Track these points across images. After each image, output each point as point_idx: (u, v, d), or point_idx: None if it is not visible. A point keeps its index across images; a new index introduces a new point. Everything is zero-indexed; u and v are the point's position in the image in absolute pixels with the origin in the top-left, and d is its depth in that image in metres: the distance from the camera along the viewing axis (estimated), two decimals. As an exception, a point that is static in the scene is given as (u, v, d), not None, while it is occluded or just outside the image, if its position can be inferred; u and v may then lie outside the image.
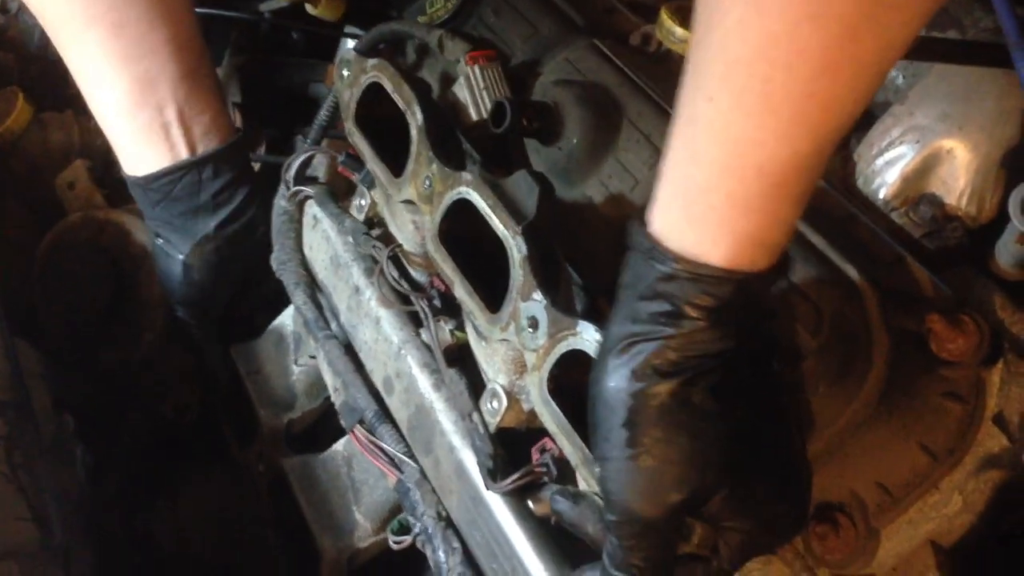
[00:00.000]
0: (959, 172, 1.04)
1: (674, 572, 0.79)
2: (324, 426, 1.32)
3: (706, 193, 0.71)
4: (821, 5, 0.61)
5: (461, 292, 1.00)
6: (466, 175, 0.99)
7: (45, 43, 1.72)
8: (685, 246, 0.74)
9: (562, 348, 0.89)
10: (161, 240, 1.30)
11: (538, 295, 0.91)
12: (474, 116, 1.10)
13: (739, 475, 0.76)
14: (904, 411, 0.92)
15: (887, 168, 1.07)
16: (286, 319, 1.38)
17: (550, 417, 0.90)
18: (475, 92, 1.09)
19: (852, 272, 0.94)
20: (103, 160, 1.64)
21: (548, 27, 1.22)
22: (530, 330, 0.91)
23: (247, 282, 1.38)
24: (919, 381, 0.93)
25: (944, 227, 1.05)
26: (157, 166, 1.22)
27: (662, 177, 0.76)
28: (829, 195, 1.06)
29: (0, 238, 1.59)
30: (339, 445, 1.26)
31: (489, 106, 1.08)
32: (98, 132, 1.62)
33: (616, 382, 0.76)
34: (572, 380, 0.88)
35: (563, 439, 0.89)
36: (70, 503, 1.08)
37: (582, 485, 0.89)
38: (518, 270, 0.92)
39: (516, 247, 0.92)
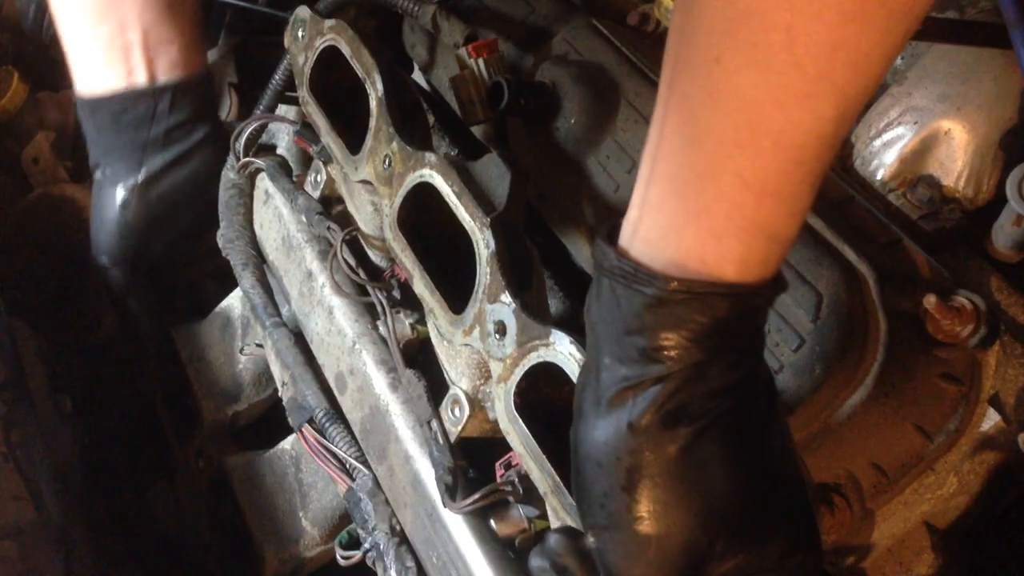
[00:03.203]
0: (957, 153, 1.04)
1: None
2: (272, 421, 1.22)
3: (711, 179, 0.62)
4: None
5: (421, 287, 0.92)
6: (430, 156, 0.90)
7: (40, 23, 1.71)
8: (673, 257, 0.64)
9: (532, 359, 0.80)
10: (99, 173, 1.19)
11: (506, 297, 0.82)
12: (477, 103, 1.08)
13: (753, 528, 0.67)
14: (900, 392, 0.92)
15: (885, 149, 1.07)
16: (234, 301, 1.28)
17: (517, 436, 0.82)
18: (478, 84, 1.06)
19: (850, 254, 0.94)
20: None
21: (546, 6, 1.21)
22: (497, 336, 0.82)
23: (186, 242, 1.26)
24: (915, 362, 0.92)
25: (941, 209, 1.05)
26: (110, 87, 1.14)
27: (647, 177, 0.66)
28: (827, 177, 1.05)
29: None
30: (287, 443, 1.17)
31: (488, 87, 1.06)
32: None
33: (609, 439, 0.65)
34: (543, 395, 0.80)
35: (531, 462, 0.81)
36: (67, 483, 1.08)
37: (551, 516, 0.81)
38: (485, 267, 0.84)
39: (483, 241, 0.84)
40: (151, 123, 1.16)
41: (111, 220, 1.18)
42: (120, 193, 1.18)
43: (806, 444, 0.91)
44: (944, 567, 0.96)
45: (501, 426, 0.83)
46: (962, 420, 0.92)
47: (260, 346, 1.23)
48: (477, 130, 1.18)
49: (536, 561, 0.72)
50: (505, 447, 0.85)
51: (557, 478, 0.78)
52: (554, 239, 1.12)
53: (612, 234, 0.68)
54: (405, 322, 1.02)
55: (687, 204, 0.63)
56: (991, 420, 0.93)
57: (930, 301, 0.91)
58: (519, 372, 0.81)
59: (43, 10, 1.71)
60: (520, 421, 0.82)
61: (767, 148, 0.60)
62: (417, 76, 1.34)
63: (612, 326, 0.66)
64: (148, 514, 1.23)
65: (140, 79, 1.14)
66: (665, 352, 0.63)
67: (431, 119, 1.13)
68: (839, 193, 1.04)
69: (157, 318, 1.27)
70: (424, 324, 0.99)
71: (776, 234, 0.64)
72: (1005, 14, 0.91)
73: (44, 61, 1.73)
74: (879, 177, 1.07)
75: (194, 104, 1.18)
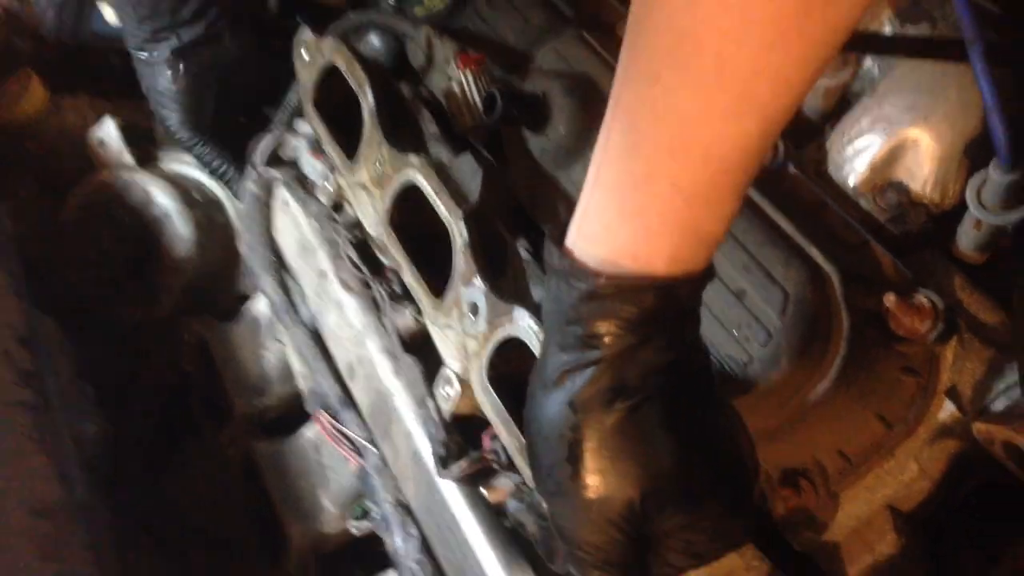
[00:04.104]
0: (924, 161, 1.11)
1: None
2: (296, 410, 1.33)
3: (647, 182, 0.68)
4: None
5: (409, 277, 1.02)
6: (412, 158, 1.00)
7: (59, 27, 1.78)
8: (610, 252, 0.70)
9: (499, 335, 0.89)
10: (146, 55, 1.42)
11: (478, 281, 0.91)
12: (466, 112, 1.16)
13: (687, 490, 0.73)
14: (863, 384, 0.99)
15: (856, 156, 1.13)
16: (260, 303, 1.40)
17: (490, 406, 0.91)
18: (467, 94, 1.14)
19: (816, 255, 1.01)
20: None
21: (538, 18, 1.28)
22: (471, 316, 0.92)
23: (234, 108, 1.50)
24: (877, 356, 1.00)
25: (909, 213, 1.12)
26: None
27: (592, 181, 0.72)
28: (800, 182, 1.12)
29: (18, 216, 1.66)
30: (308, 430, 1.27)
31: (480, 103, 1.13)
32: (114, 111, 1.70)
33: (553, 416, 0.72)
34: (515, 368, 0.89)
35: (501, 428, 0.90)
36: (92, 465, 1.16)
37: (524, 473, 0.91)
38: (459, 256, 0.93)
39: (458, 231, 0.93)
40: (179, 7, 1.37)
41: (166, 91, 1.42)
42: (166, 68, 1.41)
43: (775, 432, 0.98)
44: (906, 548, 1.02)
45: (477, 396, 0.92)
46: (920, 410, 0.99)
47: (281, 342, 1.33)
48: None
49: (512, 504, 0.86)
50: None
51: (523, 441, 0.86)
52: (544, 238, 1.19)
53: (560, 235, 0.74)
54: (407, 313, 1.11)
55: (624, 205, 0.69)
56: (947, 411, 1.00)
57: (890, 299, 0.98)
58: (490, 347, 0.90)
59: (62, 14, 1.79)
60: (491, 391, 0.91)
61: (697, 158, 0.66)
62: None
63: (556, 317, 0.73)
64: (166, 496, 1.31)
65: None
66: (600, 339, 0.70)
67: (433, 127, 1.20)
68: (811, 198, 1.11)
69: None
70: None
71: (704, 234, 0.70)
72: (964, 31, 0.98)
73: (63, 65, 1.80)
74: (851, 183, 1.13)
75: None
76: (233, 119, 1.55)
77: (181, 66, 1.41)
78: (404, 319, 1.11)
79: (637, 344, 0.70)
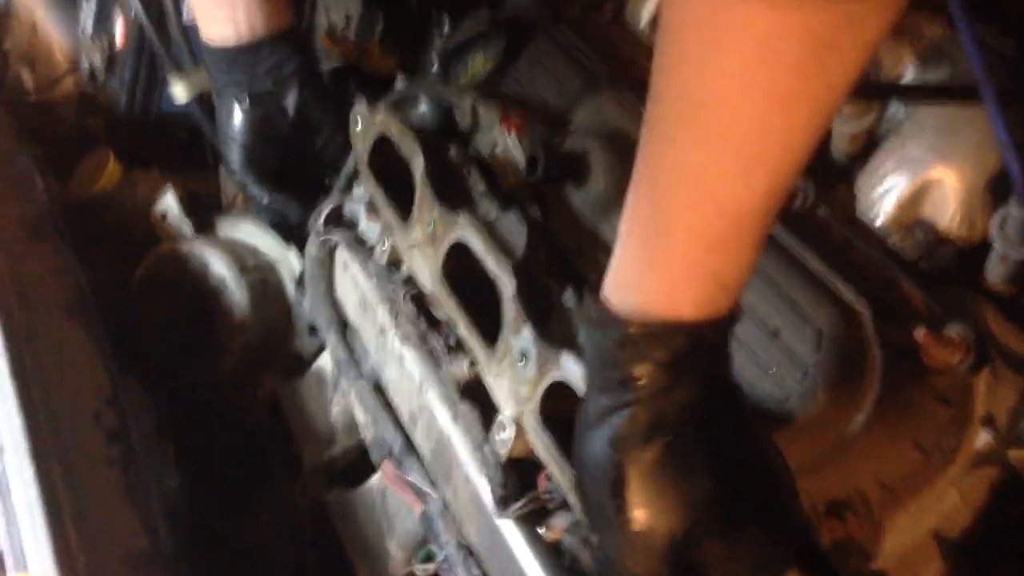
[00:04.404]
0: (949, 199, 1.15)
1: None
2: (362, 459, 1.40)
3: (669, 233, 0.74)
4: (771, 47, 0.64)
5: (463, 329, 1.09)
6: (462, 218, 1.08)
7: (131, 106, 1.92)
8: (641, 301, 0.76)
9: (548, 379, 0.95)
10: (221, 101, 1.49)
11: (527, 331, 0.97)
12: (511, 171, 1.24)
13: (728, 520, 0.77)
14: (899, 416, 1.03)
15: (884, 197, 1.18)
16: (325, 359, 1.48)
17: (542, 447, 0.97)
18: (511, 155, 1.22)
19: (848, 294, 1.06)
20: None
21: (575, 81, 1.36)
22: (521, 363, 0.98)
23: (293, 161, 1.53)
24: (911, 388, 1.04)
25: (938, 249, 1.16)
26: (223, 41, 1.42)
27: (623, 235, 0.79)
28: (831, 223, 1.18)
29: (98, 285, 1.78)
30: (374, 479, 1.34)
31: (524, 163, 1.21)
32: (182, 182, 1.82)
33: (597, 454, 0.78)
34: (563, 409, 0.94)
35: (555, 467, 0.95)
36: (172, 516, 1.24)
37: (576, 510, 0.95)
38: (508, 306, 1.00)
39: (506, 284, 1.00)
40: (255, 65, 1.45)
41: (233, 137, 1.48)
42: (237, 115, 1.47)
43: (815, 465, 1.02)
44: (952, 569, 1.06)
45: (530, 439, 0.98)
46: (956, 439, 1.03)
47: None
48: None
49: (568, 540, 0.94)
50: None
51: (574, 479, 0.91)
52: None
53: (596, 286, 0.81)
54: (462, 363, 1.17)
55: (650, 256, 0.76)
56: (984, 439, 1.04)
57: (921, 333, 1.02)
58: (540, 391, 0.96)
59: (134, 94, 1.92)
60: (543, 433, 0.96)
61: (712, 212, 0.72)
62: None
63: (595, 362, 0.79)
64: (243, 543, 1.39)
65: (244, 36, 1.42)
66: (635, 381, 0.75)
67: (481, 185, 1.29)
68: (841, 239, 1.16)
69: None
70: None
71: (726, 280, 0.75)
72: (977, 74, 1.03)
73: (136, 141, 1.93)
74: (879, 223, 1.18)
75: (285, 50, 1.45)
76: (297, 180, 1.62)
77: (249, 106, 1.47)
78: (460, 368, 1.17)
79: (671, 384, 0.75)
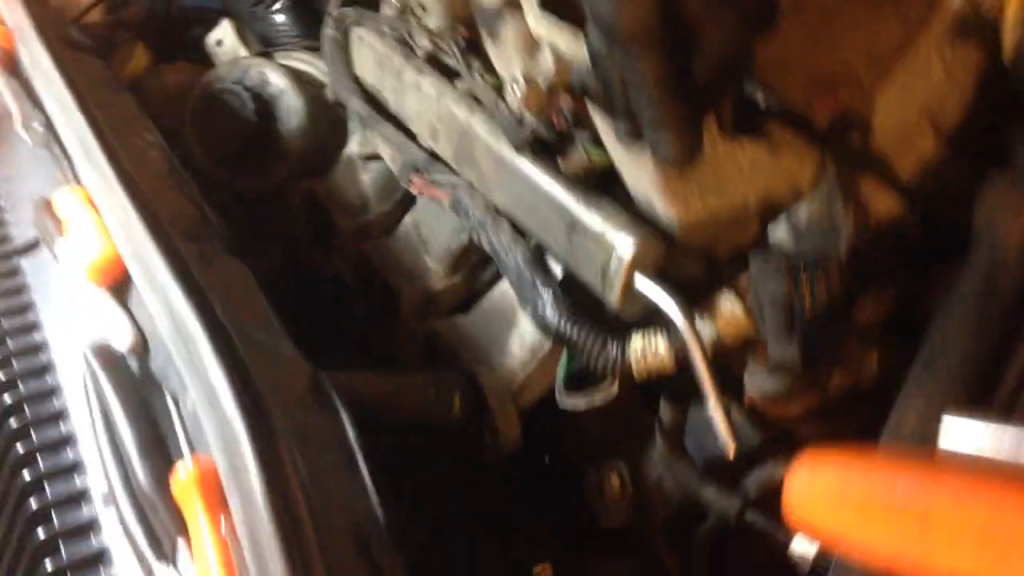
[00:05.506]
0: None
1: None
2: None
3: None
4: None
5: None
6: None
7: (152, 3, 2.07)
8: None
9: None
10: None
11: None
12: None
13: None
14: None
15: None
16: (353, 145, 1.61)
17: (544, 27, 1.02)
18: None
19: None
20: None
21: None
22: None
23: None
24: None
25: None
26: None
27: None
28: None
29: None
30: (407, 217, 1.47)
31: None
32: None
33: None
34: None
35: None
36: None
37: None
38: None
39: None
40: None
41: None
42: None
43: (803, 42, 1.06)
44: (946, 150, 1.11)
45: (530, 24, 1.04)
46: (933, 6, 1.07)
47: (377, 157, 1.52)
48: None
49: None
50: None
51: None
52: None
53: None
54: (474, 63, 1.27)
55: None
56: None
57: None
58: None
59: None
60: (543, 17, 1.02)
61: None
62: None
63: None
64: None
65: None
66: None
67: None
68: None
69: None
70: (494, 73, 1.24)
71: None
72: None
73: (166, 38, 2.08)
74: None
75: None
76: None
77: None
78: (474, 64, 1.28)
79: None
